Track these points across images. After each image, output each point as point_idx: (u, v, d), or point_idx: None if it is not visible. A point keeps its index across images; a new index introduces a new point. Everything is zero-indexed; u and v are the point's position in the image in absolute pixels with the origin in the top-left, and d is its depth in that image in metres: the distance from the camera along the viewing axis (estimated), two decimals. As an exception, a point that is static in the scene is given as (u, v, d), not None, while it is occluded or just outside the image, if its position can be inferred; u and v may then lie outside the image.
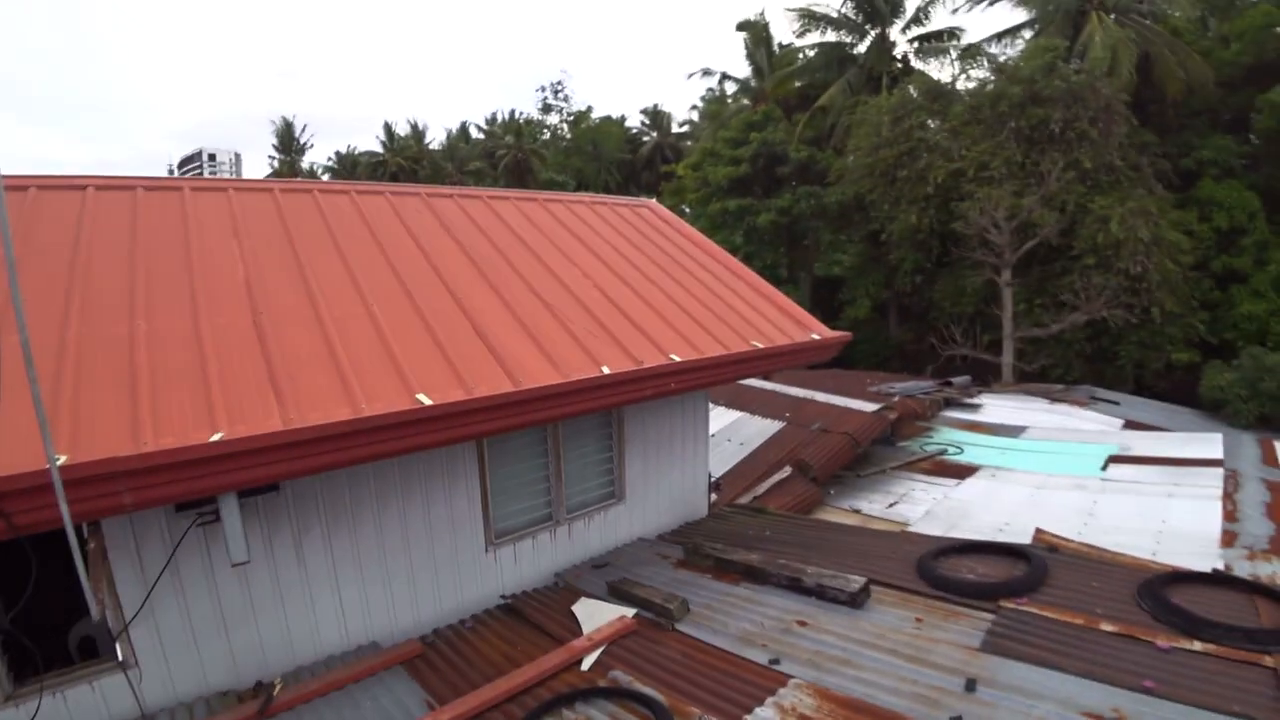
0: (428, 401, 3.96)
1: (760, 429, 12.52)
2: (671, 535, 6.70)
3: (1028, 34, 24.89)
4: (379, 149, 50.64)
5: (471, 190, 7.31)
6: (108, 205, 5.07)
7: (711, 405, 9.44)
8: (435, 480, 5.04)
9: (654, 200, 8.82)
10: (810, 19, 28.15)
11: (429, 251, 5.61)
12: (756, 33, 32.47)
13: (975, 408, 15.49)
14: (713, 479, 7.61)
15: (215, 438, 3.36)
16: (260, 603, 4.39)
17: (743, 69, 35.15)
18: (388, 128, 50.85)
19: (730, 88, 35.74)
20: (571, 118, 45.05)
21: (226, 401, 3.61)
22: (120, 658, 4.07)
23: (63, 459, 3.03)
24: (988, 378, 20.36)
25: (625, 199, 8.44)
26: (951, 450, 12.12)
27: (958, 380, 17.36)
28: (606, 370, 4.75)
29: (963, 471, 11.01)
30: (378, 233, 5.68)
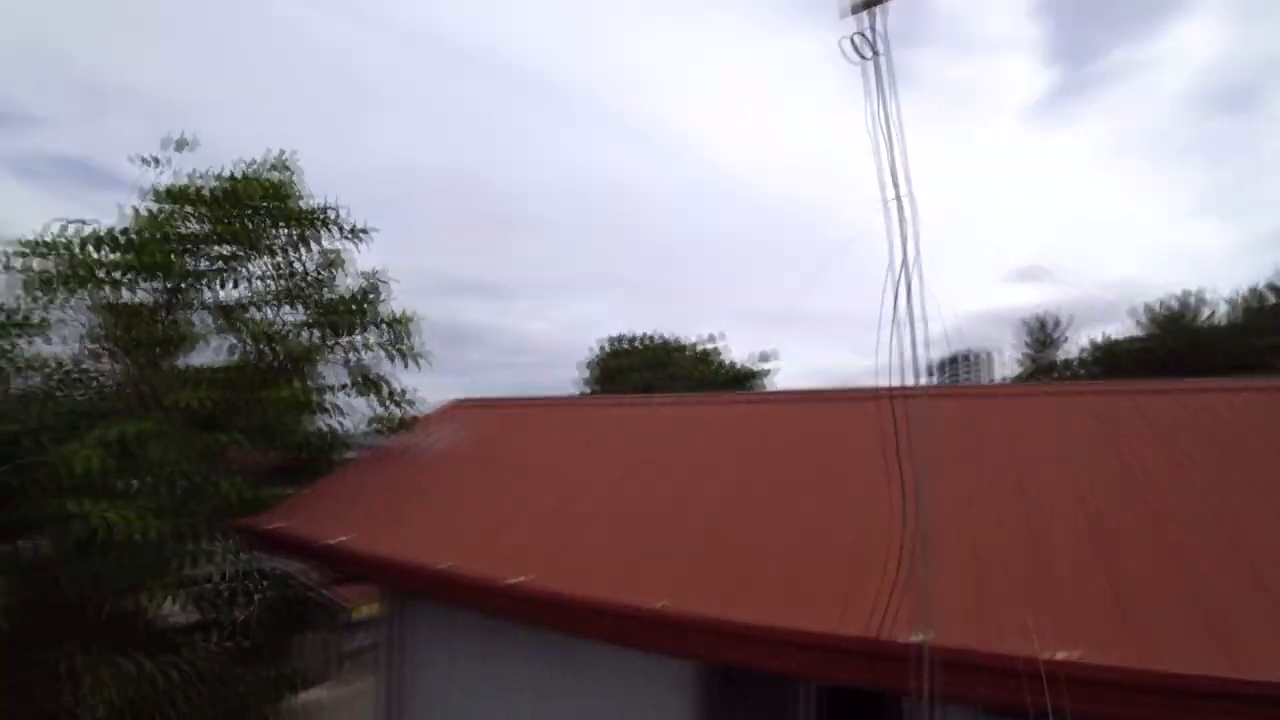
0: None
1: None
2: None
3: None
4: (1137, 331, 45.32)
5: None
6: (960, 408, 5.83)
7: None
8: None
9: None
10: None
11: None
12: None
13: None
14: None
15: (1059, 656, 3.21)
16: None
17: None
18: (1148, 309, 45.22)
19: None
20: None
21: (1067, 620, 3.44)
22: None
23: (927, 637, 3.37)
24: None
25: None
26: None
27: None
28: None
29: None
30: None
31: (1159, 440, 4.95)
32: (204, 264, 6.74)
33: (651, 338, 38.90)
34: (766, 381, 36.43)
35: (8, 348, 5.43)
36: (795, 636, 3.58)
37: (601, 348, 39.62)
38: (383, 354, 7.66)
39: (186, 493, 6.45)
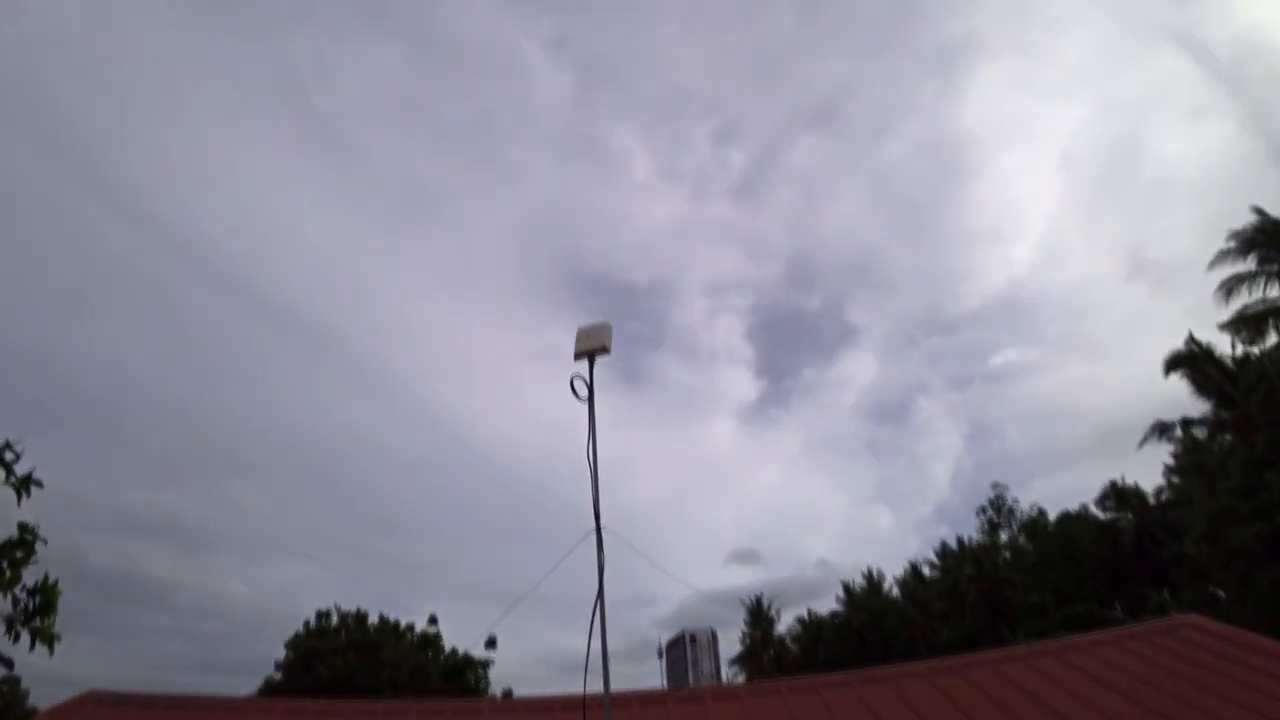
0: None
1: None
2: None
3: None
4: (839, 607, 49.09)
5: (980, 657, 6.90)
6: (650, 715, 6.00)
7: None
8: None
9: (1192, 615, 6.83)
10: (1258, 322, 22.90)
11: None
12: (1199, 361, 26.30)
13: None
14: None
15: None
16: None
17: (1192, 406, 27.05)
18: (846, 587, 49.39)
19: (1196, 431, 27.62)
20: (1024, 526, 37.58)
21: None
22: None
23: None
24: None
25: (1155, 623, 6.81)
26: None
27: None
28: None
29: None
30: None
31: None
32: None
33: (364, 616, 33.07)
34: (488, 671, 34.19)
35: None
36: None
37: (306, 623, 32.36)
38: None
39: None
